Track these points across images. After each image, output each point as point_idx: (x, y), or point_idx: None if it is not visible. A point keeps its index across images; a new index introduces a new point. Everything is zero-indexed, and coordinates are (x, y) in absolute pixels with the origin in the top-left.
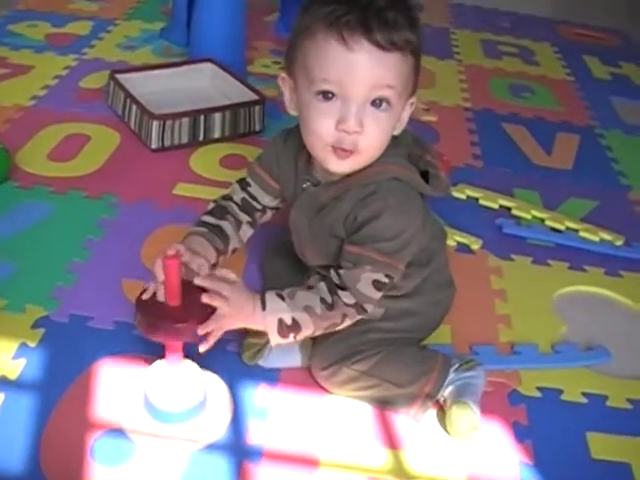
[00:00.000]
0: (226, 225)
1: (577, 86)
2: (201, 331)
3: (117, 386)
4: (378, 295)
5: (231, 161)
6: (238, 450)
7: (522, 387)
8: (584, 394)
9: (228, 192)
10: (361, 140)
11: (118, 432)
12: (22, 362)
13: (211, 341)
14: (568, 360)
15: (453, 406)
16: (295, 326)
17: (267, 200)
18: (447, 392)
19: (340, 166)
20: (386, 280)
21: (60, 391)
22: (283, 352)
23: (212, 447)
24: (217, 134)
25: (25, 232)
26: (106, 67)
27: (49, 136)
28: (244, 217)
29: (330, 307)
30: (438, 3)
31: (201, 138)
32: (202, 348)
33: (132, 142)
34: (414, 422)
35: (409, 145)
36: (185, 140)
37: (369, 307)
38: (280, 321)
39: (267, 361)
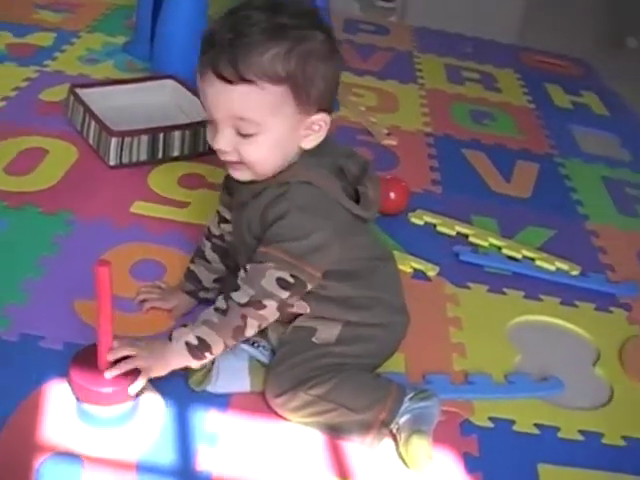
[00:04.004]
0: (194, 267)
1: (538, 114)
2: (132, 392)
3: (65, 408)
4: (283, 293)
5: (190, 180)
6: (187, 476)
7: (474, 417)
8: (536, 425)
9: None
10: (243, 157)
11: (66, 455)
12: None
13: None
14: (521, 391)
15: (413, 435)
16: (202, 343)
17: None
18: (402, 420)
19: (239, 175)
20: (292, 280)
21: (7, 412)
22: (231, 377)
23: (160, 472)
24: (176, 152)
25: None
26: (67, 80)
27: (6, 149)
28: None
29: (225, 312)
30: (402, 27)
31: (160, 156)
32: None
33: (90, 158)
34: (367, 450)
35: (337, 159)
36: (144, 157)
37: (270, 303)
38: (187, 344)
39: (215, 386)
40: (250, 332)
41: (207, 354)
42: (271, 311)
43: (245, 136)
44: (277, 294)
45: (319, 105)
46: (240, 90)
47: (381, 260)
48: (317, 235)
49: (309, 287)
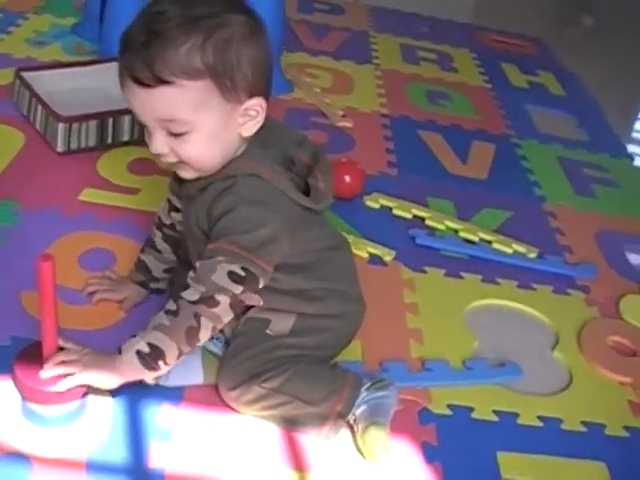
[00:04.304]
0: (145, 257)
1: (494, 94)
2: (62, 388)
3: (11, 406)
4: (235, 287)
5: (140, 165)
6: (139, 474)
7: (432, 405)
8: (495, 412)
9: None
10: (181, 156)
11: (13, 455)
12: None
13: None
14: (479, 377)
15: (371, 427)
16: (155, 350)
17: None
18: (359, 412)
19: (186, 174)
20: (243, 274)
21: None
22: (184, 369)
23: (111, 470)
24: (126, 137)
25: None
26: (13, 63)
27: None
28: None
29: (176, 313)
30: (358, 6)
31: (109, 141)
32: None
33: (37, 144)
34: (323, 442)
35: (286, 149)
36: (93, 143)
37: (223, 299)
38: (138, 353)
39: (168, 380)
40: (204, 334)
41: (160, 362)
42: (224, 308)
43: (178, 135)
44: (229, 288)
45: (250, 90)
46: (161, 92)
47: (335, 250)
48: (267, 228)
49: (261, 282)
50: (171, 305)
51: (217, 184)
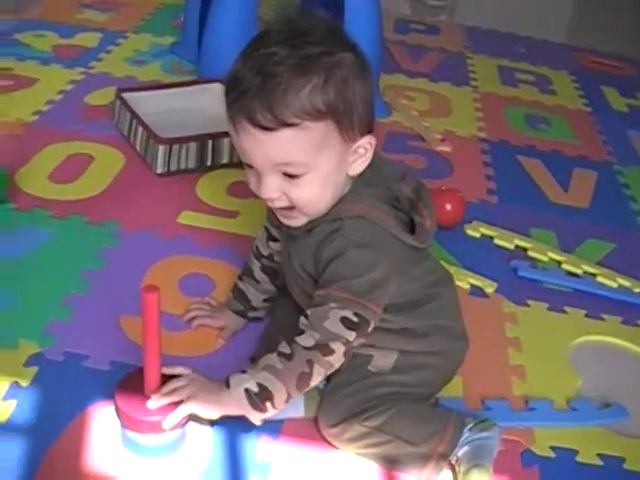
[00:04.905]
0: (243, 286)
1: (594, 118)
2: (167, 426)
3: (110, 434)
4: (349, 334)
5: (239, 188)
6: None
7: (535, 446)
8: (599, 455)
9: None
10: (294, 201)
11: None
12: (13, 403)
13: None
14: (584, 418)
15: (474, 470)
16: (264, 391)
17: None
18: (461, 452)
19: (291, 222)
20: (356, 319)
21: (52, 436)
22: None
23: None
24: (225, 159)
25: (21, 259)
26: (113, 83)
27: (51, 155)
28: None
29: (289, 357)
30: (453, 26)
31: (209, 163)
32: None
33: (137, 165)
34: None
35: (389, 186)
36: (192, 165)
37: (337, 347)
38: (247, 391)
39: None
40: (315, 381)
41: (268, 404)
42: (338, 356)
43: (293, 177)
44: (343, 335)
45: (363, 128)
46: (282, 135)
47: (439, 285)
48: (376, 271)
49: (372, 325)
50: (285, 348)
51: (324, 226)
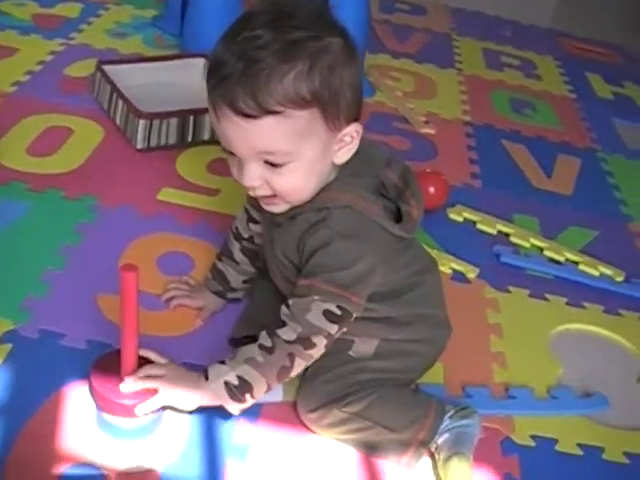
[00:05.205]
0: (222, 267)
1: (579, 105)
2: (139, 413)
3: (85, 416)
4: (331, 327)
5: (219, 166)
6: None
7: (515, 435)
8: (579, 445)
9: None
10: (277, 189)
11: (85, 467)
12: None
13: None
14: (564, 407)
15: (454, 457)
16: (244, 384)
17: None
18: (441, 440)
19: (272, 208)
20: (339, 312)
21: (25, 416)
22: None
23: None
24: (206, 136)
25: None
26: (93, 55)
27: (29, 127)
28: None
29: (271, 350)
30: (439, 7)
31: (190, 139)
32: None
33: (116, 139)
34: (403, 470)
35: (376, 171)
36: (173, 141)
37: (319, 340)
38: (226, 384)
39: None
40: (295, 372)
41: (247, 396)
42: (320, 349)
43: (275, 166)
44: (325, 328)
45: (349, 116)
46: (265, 123)
47: (424, 273)
48: (362, 262)
49: (354, 317)
50: (265, 340)
51: (308, 215)
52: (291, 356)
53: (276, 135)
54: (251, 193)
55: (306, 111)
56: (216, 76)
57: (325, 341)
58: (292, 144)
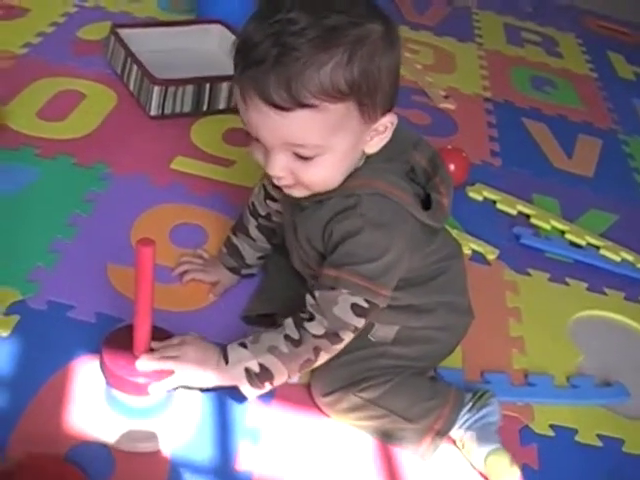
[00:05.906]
0: (238, 242)
1: (600, 84)
2: (153, 392)
3: (94, 392)
4: (358, 321)
5: (235, 136)
6: (225, 475)
7: (534, 424)
8: (599, 436)
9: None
10: (303, 181)
11: (94, 445)
12: None
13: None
14: (584, 397)
15: (490, 456)
16: (265, 372)
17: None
18: (467, 438)
19: (294, 192)
20: (366, 305)
21: (31, 391)
22: None
23: (196, 470)
24: (222, 105)
25: (6, 200)
26: (107, 18)
27: (40, 90)
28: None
29: (297, 343)
30: None
31: (205, 108)
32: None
33: (130, 105)
34: (420, 459)
35: (405, 155)
36: (187, 109)
37: (345, 335)
38: (247, 370)
39: None
40: (318, 364)
41: (267, 384)
42: (345, 343)
43: (304, 159)
44: (352, 323)
45: (385, 107)
46: (297, 116)
47: (449, 260)
48: (391, 253)
49: (380, 308)
50: (292, 332)
51: (336, 201)
52: (317, 350)
53: (308, 129)
54: (275, 182)
55: (342, 104)
56: (247, 58)
57: (352, 335)
58: (324, 138)
